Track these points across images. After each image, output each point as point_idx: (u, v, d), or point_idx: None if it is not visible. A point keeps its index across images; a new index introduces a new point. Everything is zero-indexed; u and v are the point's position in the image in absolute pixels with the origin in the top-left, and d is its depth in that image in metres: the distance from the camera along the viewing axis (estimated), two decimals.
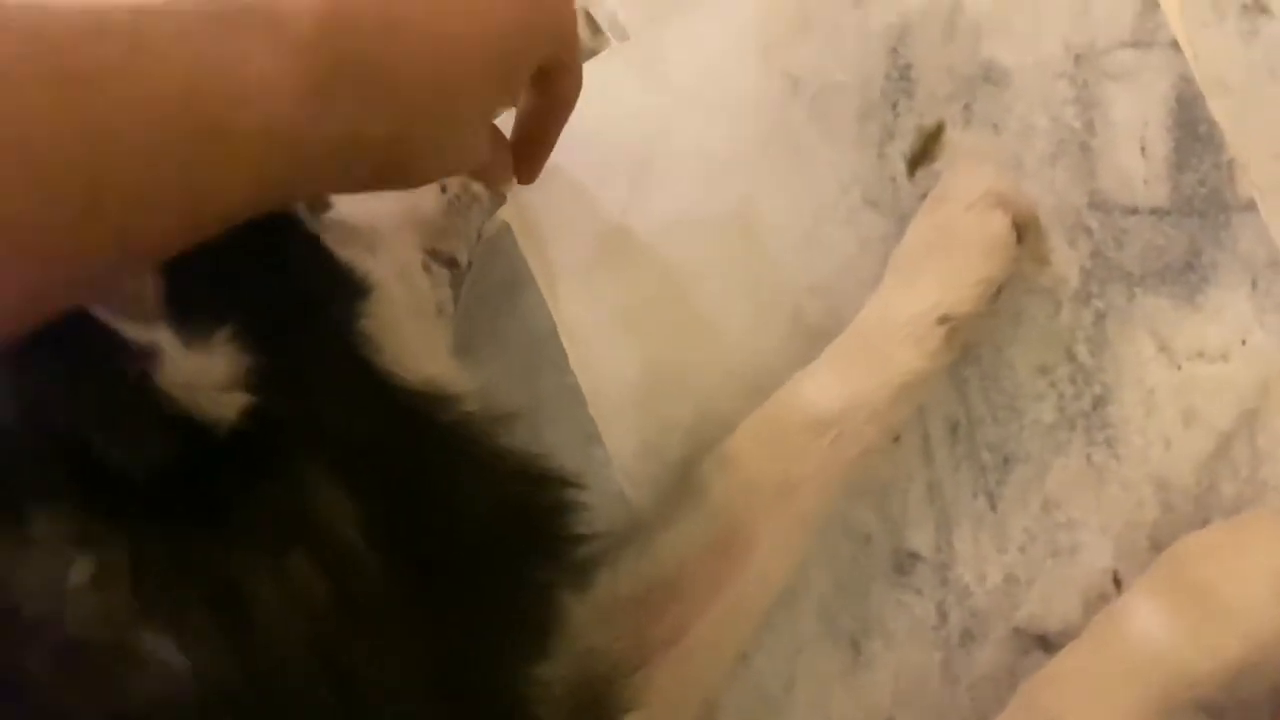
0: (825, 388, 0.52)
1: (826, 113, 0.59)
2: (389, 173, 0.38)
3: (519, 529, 0.42)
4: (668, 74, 0.59)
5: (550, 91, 0.48)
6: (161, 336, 0.32)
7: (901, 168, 0.58)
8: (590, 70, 0.58)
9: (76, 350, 0.30)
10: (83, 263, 0.28)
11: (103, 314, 0.30)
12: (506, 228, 0.59)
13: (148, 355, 0.31)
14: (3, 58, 0.26)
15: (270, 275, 0.38)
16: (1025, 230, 0.55)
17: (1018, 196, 0.54)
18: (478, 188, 0.53)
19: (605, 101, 0.59)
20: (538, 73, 0.45)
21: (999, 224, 0.52)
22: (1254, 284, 0.55)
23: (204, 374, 0.33)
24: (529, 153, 0.51)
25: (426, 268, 0.50)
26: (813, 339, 0.56)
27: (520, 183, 0.52)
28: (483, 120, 0.41)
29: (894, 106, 0.59)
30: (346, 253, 0.43)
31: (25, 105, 0.26)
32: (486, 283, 0.59)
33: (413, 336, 0.43)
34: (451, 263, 0.52)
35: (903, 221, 0.57)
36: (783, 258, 0.58)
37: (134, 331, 0.31)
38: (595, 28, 0.60)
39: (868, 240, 0.58)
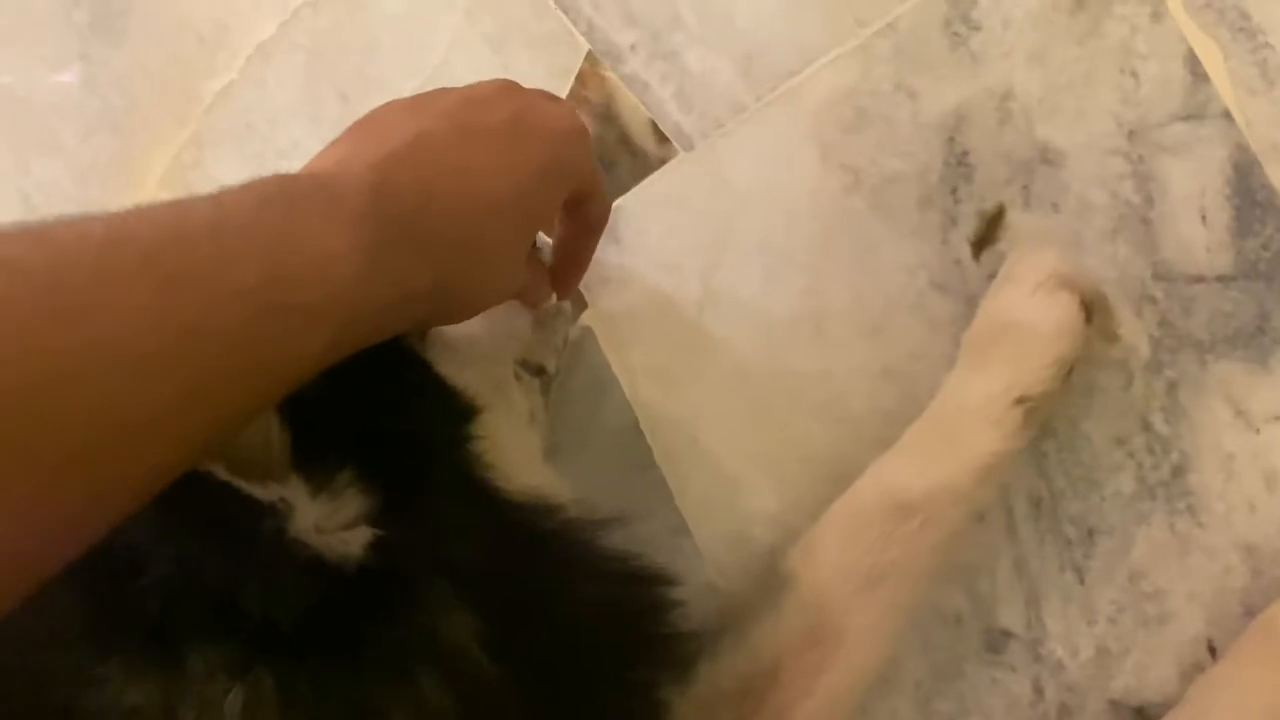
0: (907, 473, 0.53)
1: (888, 203, 0.61)
2: (436, 316, 0.42)
3: (623, 630, 0.44)
4: (732, 178, 0.62)
5: (579, 218, 0.53)
6: (292, 490, 0.35)
7: (966, 251, 0.60)
8: (659, 178, 0.62)
9: (216, 512, 0.33)
10: (183, 449, 0.31)
11: (236, 479, 0.33)
12: (589, 333, 0.62)
13: (280, 512, 0.34)
14: (100, 262, 0.28)
15: (385, 407, 0.41)
16: (1093, 308, 0.56)
17: (1082, 276, 0.56)
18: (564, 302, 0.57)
19: (674, 207, 0.62)
20: (567, 203, 0.49)
21: (1067, 305, 0.54)
22: None
23: (331, 517, 0.36)
24: (566, 273, 0.56)
25: (518, 377, 0.53)
26: (889, 424, 0.58)
27: (559, 298, 0.57)
28: (517, 258, 0.44)
29: (954, 192, 0.61)
30: (450, 371, 0.46)
31: (125, 306, 0.28)
32: (572, 386, 0.61)
33: (513, 449, 0.46)
34: (540, 371, 0.55)
35: (971, 303, 0.59)
36: (855, 345, 0.60)
37: (266, 493, 0.34)
38: (661, 138, 0.63)
39: (937, 323, 0.60)
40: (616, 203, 0.63)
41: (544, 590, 0.41)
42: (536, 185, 0.43)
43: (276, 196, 0.34)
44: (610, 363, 0.62)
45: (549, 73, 0.64)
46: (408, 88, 0.64)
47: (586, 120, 0.64)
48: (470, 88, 0.45)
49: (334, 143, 0.43)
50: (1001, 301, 0.56)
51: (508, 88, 0.46)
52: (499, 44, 0.64)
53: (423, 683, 0.36)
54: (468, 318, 0.44)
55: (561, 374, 0.60)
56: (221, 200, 0.33)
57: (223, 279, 0.31)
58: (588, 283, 0.62)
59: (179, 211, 0.32)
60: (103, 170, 0.66)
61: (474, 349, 0.49)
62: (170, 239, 0.30)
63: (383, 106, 0.44)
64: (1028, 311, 0.54)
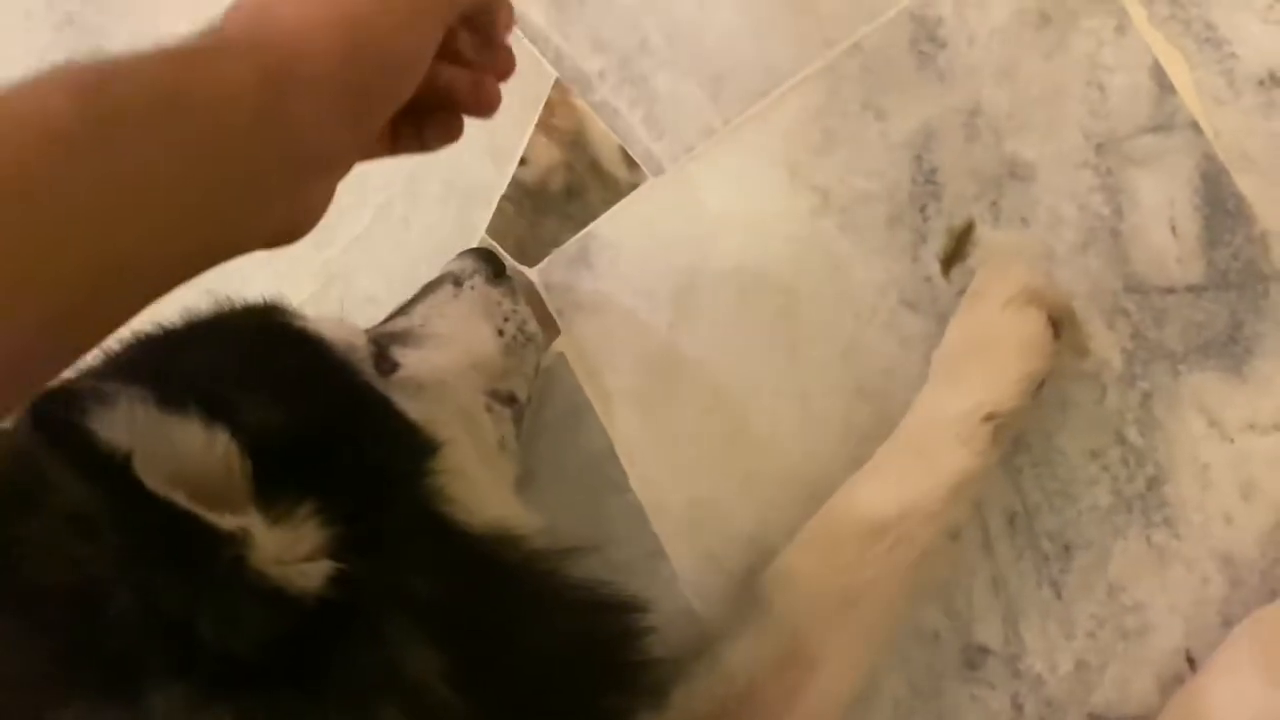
0: (879, 493, 0.54)
1: (857, 222, 0.61)
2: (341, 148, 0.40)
3: (593, 658, 0.44)
4: (703, 201, 0.63)
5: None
6: (251, 520, 0.35)
7: (936, 268, 0.61)
8: (630, 203, 0.63)
9: (176, 540, 0.34)
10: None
11: (196, 507, 0.33)
12: (562, 358, 0.63)
13: (239, 540, 0.34)
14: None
15: (345, 444, 0.41)
16: (1061, 323, 0.56)
17: (1051, 291, 0.56)
18: (533, 328, 0.57)
19: (646, 232, 0.63)
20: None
21: (1035, 321, 0.54)
22: None
23: (291, 549, 0.36)
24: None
25: (489, 408, 0.54)
26: (864, 441, 0.58)
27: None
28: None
29: (922, 210, 0.61)
30: (414, 406, 0.47)
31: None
32: (547, 412, 0.62)
33: (479, 481, 0.47)
34: (511, 399, 0.56)
35: (942, 320, 0.60)
36: (828, 365, 0.61)
37: (225, 522, 0.34)
38: (631, 164, 0.64)
39: (909, 340, 0.60)
40: (588, 229, 0.64)
41: (509, 621, 0.42)
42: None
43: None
44: (584, 388, 0.62)
45: (519, 101, 0.64)
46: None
47: (555, 150, 0.65)
48: None
49: None
50: (970, 318, 0.56)
51: None
52: None
53: (383, 716, 0.36)
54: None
55: (535, 401, 0.60)
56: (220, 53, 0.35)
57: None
58: (561, 309, 0.63)
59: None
60: None
61: (442, 380, 0.50)
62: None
63: None
64: (996, 328, 0.55)
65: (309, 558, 0.37)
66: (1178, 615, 0.56)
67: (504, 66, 0.50)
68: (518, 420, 0.56)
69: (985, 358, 0.55)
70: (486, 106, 0.49)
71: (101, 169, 0.31)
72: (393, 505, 0.41)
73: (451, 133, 0.48)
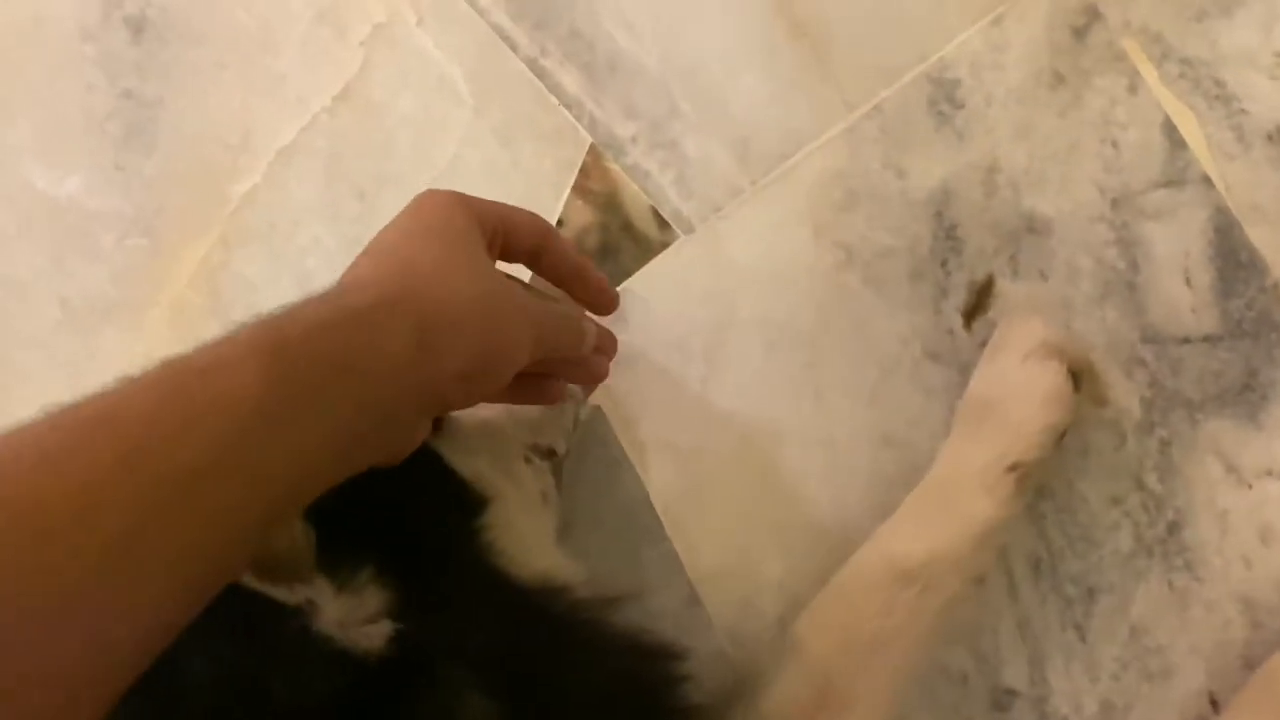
0: (907, 541, 0.56)
1: (880, 277, 0.64)
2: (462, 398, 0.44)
3: (635, 705, 0.47)
4: (731, 258, 0.66)
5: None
6: (317, 589, 0.38)
7: (958, 321, 0.63)
8: (661, 261, 0.66)
9: (249, 617, 0.37)
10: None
11: (266, 586, 0.36)
12: (599, 412, 0.66)
13: (305, 612, 0.37)
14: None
15: (400, 504, 0.44)
16: (1081, 375, 0.59)
17: (1070, 344, 0.59)
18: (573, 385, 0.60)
19: (677, 288, 0.66)
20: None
21: (1055, 374, 0.56)
22: None
23: (354, 613, 0.39)
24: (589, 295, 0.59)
25: (528, 460, 0.56)
26: (891, 489, 0.60)
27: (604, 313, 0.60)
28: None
29: (944, 264, 0.64)
30: (461, 461, 0.49)
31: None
32: (585, 464, 0.65)
33: (524, 534, 0.49)
34: (550, 453, 0.58)
35: (965, 371, 0.62)
36: (854, 415, 0.63)
37: (293, 595, 0.37)
38: (663, 223, 0.67)
39: (933, 391, 0.63)
40: (622, 286, 0.66)
41: (557, 670, 0.44)
42: (525, 322, 0.47)
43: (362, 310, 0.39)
44: (621, 440, 0.65)
45: (555, 165, 0.68)
46: (421, 183, 0.68)
47: (590, 212, 0.68)
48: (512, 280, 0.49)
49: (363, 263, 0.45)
50: (992, 371, 0.58)
51: (512, 287, 0.49)
52: (507, 139, 0.68)
53: None
54: (489, 398, 0.48)
55: (573, 453, 0.63)
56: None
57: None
58: None
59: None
60: (137, 271, 0.70)
61: (484, 437, 0.53)
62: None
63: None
64: (1018, 381, 0.57)
65: (371, 620, 0.39)
66: (1199, 657, 0.57)
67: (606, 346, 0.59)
68: (557, 473, 0.59)
69: (1008, 409, 0.57)
70: (595, 379, 0.59)
71: (290, 442, 0.34)
72: (446, 562, 0.44)
73: (552, 396, 0.56)
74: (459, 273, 0.43)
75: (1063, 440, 0.58)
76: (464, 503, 0.47)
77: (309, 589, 0.38)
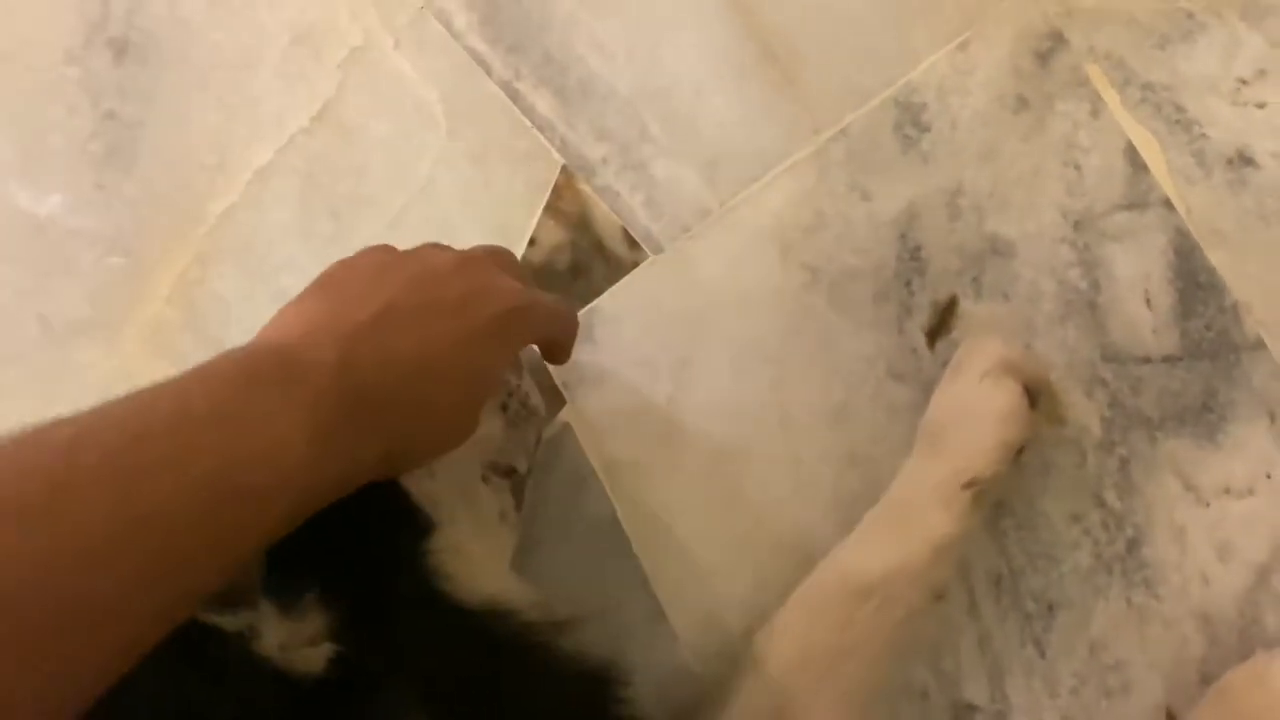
0: (865, 557, 0.57)
1: (846, 297, 0.65)
2: (381, 474, 0.45)
3: None
4: (699, 279, 0.67)
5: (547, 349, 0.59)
6: (262, 615, 0.39)
7: (921, 341, 0.65)
8: (631, 281, 0.67)
9: (190, 644, 0.36)
10: (143, 627, 0.34)
11: (209, 615, 0.37)
12: (568, 428, 0.67)
13: (246, 636, 0.38)
14: (61, 470, 0.32)
15: (348, 526, 0.44)
16: (1038, 393, 0.60)
17: (1027, 363, 0.60)
18: (535, 401, 0.61)
19: (646, 307, 0.67)
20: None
21: (1011, 392, 0.58)
22: (1272, 418, 0.60)
23: (295, 635, 0.40)
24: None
25: (486, 479, 0.57)
26: (855, 506, 0.62)
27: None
28: (468, 416, 0.48)
29: (908, 285, 0.65)
30: (414, 481, 0.50)
31: (82, 507, 0.31)
32: (552, 480, 0.66)
33: (475, 557, 0.49)
34: (510, 471, 0.59)
35: (927, 390, 0.63)
36: (818, 433, 0.64)
37: (236, 622, 0.38)
38: (632, 243, 0.69)
39: (896, 410, 0.64)
40: (592, 304, 0.68)
41: (498, 692, 0.44)
42: (483, 355, 0.47)
43: (239, 379, 0.38)
44: (589, 456, 0.66)
45: (527, 186, 0.69)
46: (396, 204, 0.70)
47: (561, 231, 0.70)
48: (431, 257, 0.49)
49: (302, 297, 0.46)
50: (951, 390, 0.60)
51: (465, 263, 0.49)
52: (480, 161, 0.70)
53: None
54: (415, 468, 0.48)
55: (540, 470, 0.64)
56: (186, 389, 0.37)
57: (181, 470, 0.34)
58: (566, 381, 0.67)
59: (143, 408, 0.35)
60: (115, 289, 0.71)
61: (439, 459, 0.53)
62: (131, 439, 0.34)
63: (348, 264, 0.48)
64: (974, 399, 0.58)
65: (311, 642, 0.40)
66: (1157, 673, 0.58)
67: None
68: (517, 491, 0.60)
69: (965, 427, 0.58)
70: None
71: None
72: (393, 584, 0.44)
73: None
74: (439, 331, 0.45)
75: (1021, 458, 0.60)
76: (413, 525, 0.47)
77: (254, 614, 0.39)
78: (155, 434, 0.34)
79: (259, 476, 0.36)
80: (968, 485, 0.56)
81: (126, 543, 0.32)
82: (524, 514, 0.60)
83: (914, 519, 0.56)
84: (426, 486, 0.49)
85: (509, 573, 0.53)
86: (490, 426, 0.56)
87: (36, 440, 0.33)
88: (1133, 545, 0.60)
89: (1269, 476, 0.60)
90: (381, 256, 0.49)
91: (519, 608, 0.47)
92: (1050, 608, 0.60)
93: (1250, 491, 0.60)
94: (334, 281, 0.47)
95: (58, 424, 0.34)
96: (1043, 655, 0.60)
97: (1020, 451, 0.59)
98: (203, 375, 0.38)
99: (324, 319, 0.43)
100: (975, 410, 0.58)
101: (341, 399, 0.40)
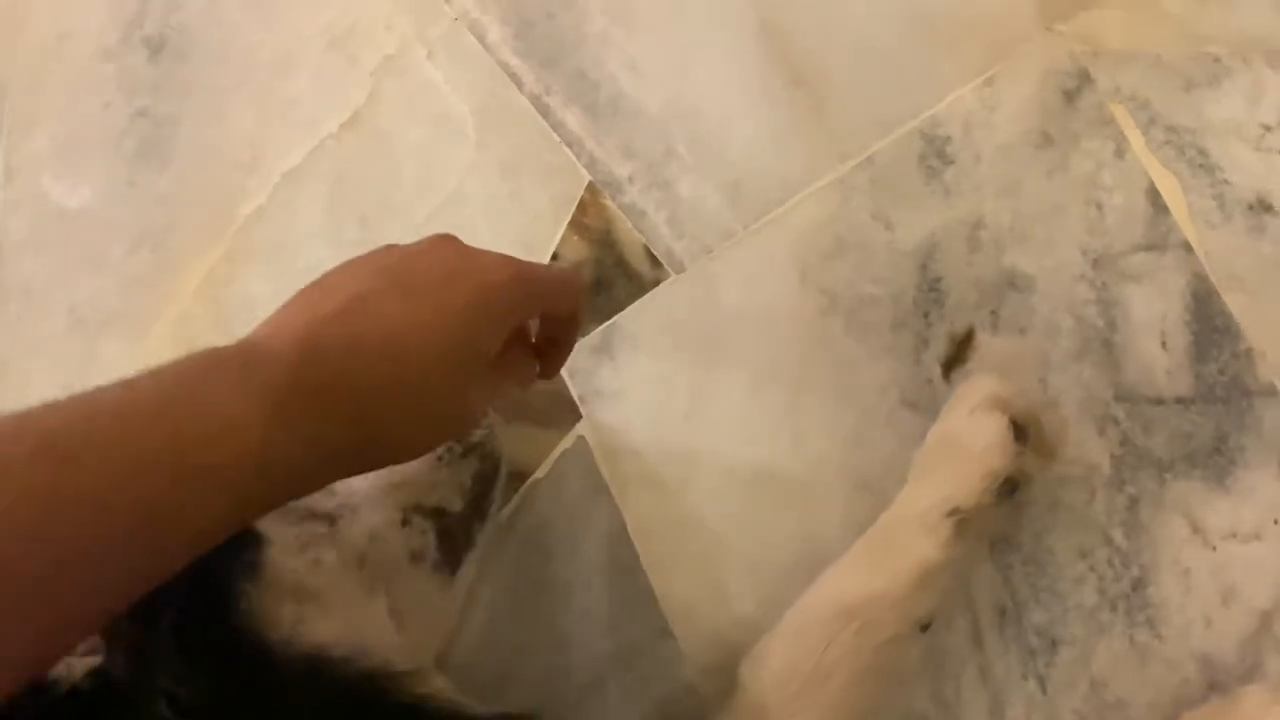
0: (848, 581, 0.58)
1: (863, 324, 0.66)
2: (371, 463, 0.44)
3: None
4: (719, 299, 0.68)
5: (548, 324, 0.55)
6: None
7: (937, 371, 0.65)
8: (652, 298, 0.68)
9: None
10: (78, 609, 0.33)
11: None
12: (582, 441, 0.67)
13: None
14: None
15: None
16: (1028, 428, 0.60)
17: (1018, 399, 0.60)
18: (478, 438, 0.60)
19: (666, 325, 0.68)
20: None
21: (996, 425, 0.58)
22: None
23: None
24: (548, 356, 0.57)
25: (406, 522, 0.56)
26: (863, 531, 0.62)
27: (544, 378, 0.57)
28: (457, 399, 0.46)
29: (926, 316, 0.66)
30: (303, 528, 0.50)
31: (17, 485, 0.31)
32: (564, 493, 0.66)
33: (329, 603, 0.49)
34: (439, 513, 0.58)
35: None
36: (831, 458, 0.65)
37: None
38: (655, 262, 0.69)
39: (907, 438, 0.64)
40: (612, 320, 0.68)
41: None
42: (467, 332, 0.45)
43: (192, 371, 0.38)
44: (602, 471, 0.67)
45: (553, 201, 0.70)
46: (423, 212, 0.71)
47: (585, 247, 0.70)
48: (413, 245, 0.48)
49: (285, 304, 0.45)
50: (945, 423, 0.60)
51: (445, 242, 0.48)
52: (507, 173, 0.71)
53: None
54: (411, 459, 0.47)
55: (553, 482, 0.65)
56: (135, 382, 0.36)
57: (123, 449, 0.34)
58: (582, 395, 0.68)
59: (90, 398, 0.35)
60: (144, 283, 0.72)
61: (343, 505, 0.53)
62: (74, 421, 0.34)
63: (334, 269, 0.47)
64: (964, 431, 0.59)
65: (85, 653, 0.40)
66: (1158, 713, 0.59)
67: (552, 369, 0.57)
68: (453, 531, 0.59)
69: (953, 458, 0.59)
70: (524, 384, 0.55)
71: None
72: (199, 612, 0.44)
73: (526, 377, 0.55)
74: (416, 311, 0.44)
75: (1012, 495, 0.60)
76: (246, 561, 0.47)
77: None
78: (99, 417, 0.34)
79: (211, 456, 0.36)
80: (951, 513, 0.57)
81: (59, 521, 0.32)
82: (480, 550, 0.61)
83: (899, 545, 0.57)
84: (277, 528, 0.49)
85: (373, 619, 0.52)
86: (413, 468, 0.55)
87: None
88: (1138, 584, 0.60)
89: (1276, 522, 0.60)
90: (365, 255, 0.48)
91: (351, 656, 0.46)
92: (1053, 643, 0.60)
93: (1257, 536, 0.60)
94: (314, 285, 0.46)
95: (7, 415, 0.34)
96: (1044, 690, 0.60)
97: (1012, 489, 0.59)
98: (154, 370, 0.38)
99: (291, 319, 0.43)
100: (962, 442, 0.58)
101: (300, 385, 0.39)
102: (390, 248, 0.48)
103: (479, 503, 0.61)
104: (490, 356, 0.46)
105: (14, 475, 0.32)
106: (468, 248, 0.48)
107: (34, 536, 0.32)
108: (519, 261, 0.48)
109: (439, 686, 0.50)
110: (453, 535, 0.59)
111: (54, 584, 0.32)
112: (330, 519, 0.54)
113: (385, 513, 0.55)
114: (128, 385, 0.36)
